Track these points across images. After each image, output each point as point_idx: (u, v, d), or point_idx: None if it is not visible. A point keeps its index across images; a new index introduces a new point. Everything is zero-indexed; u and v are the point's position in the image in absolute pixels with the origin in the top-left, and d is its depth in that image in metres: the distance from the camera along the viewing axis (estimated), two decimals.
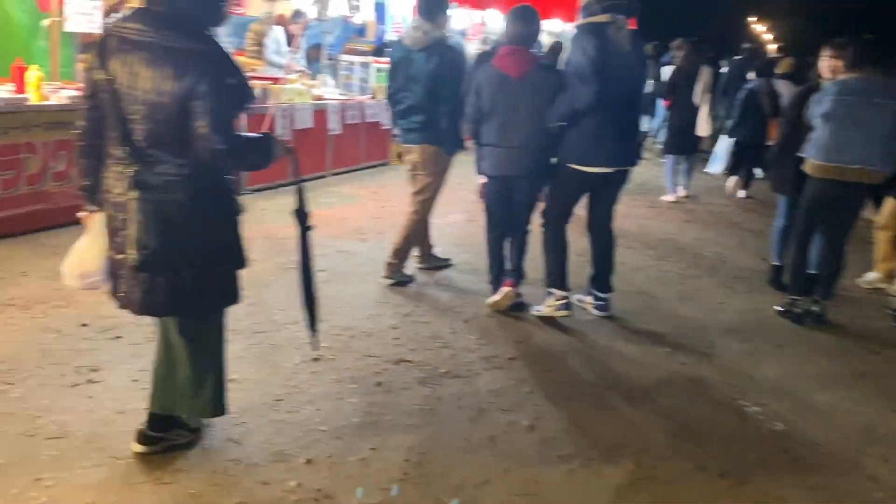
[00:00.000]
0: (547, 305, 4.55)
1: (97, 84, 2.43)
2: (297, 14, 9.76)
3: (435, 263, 5.46)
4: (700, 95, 8.60)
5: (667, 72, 9.90)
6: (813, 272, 4.99)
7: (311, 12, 8.88)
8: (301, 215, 2.79)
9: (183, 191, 2.40)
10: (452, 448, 3.09)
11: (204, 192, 2.45)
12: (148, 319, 2.90)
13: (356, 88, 9.82)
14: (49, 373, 3.40)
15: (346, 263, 5.44)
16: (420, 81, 4.73)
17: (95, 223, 2.60)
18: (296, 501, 2.66)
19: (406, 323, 4.41)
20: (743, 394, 3.84)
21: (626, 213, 7.33)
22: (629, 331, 4.59)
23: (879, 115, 4.46)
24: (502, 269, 4.72)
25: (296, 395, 3.42)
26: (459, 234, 6.51)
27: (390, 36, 10.63)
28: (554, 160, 4.47)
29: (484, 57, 5.74)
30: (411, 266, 5.30)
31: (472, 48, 10.50)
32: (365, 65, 9.94)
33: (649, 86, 8.89)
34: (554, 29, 12.59)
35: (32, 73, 5.06)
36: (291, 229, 2.86)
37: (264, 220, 6.32)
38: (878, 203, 5.96)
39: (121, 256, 2.49)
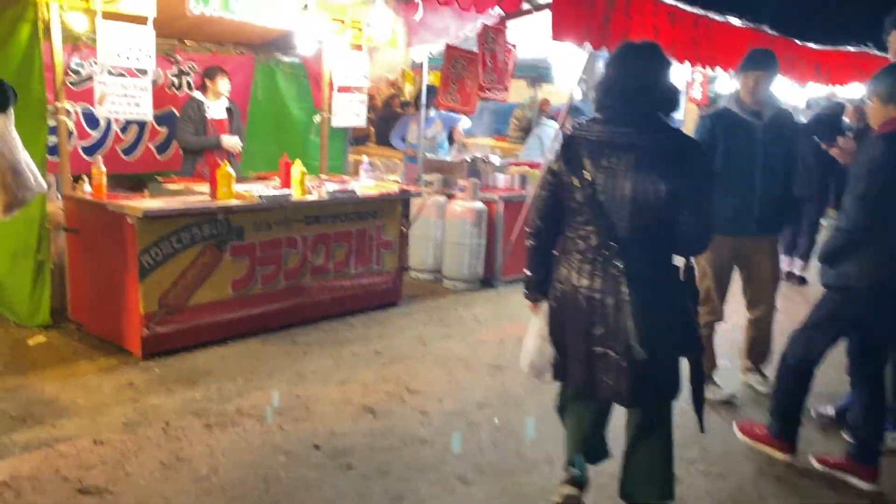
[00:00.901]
0: None
1: (563, 185, 2.55)
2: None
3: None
4: None
5: None
6: None
7: (576, 94, 8.36)
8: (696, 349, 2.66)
9: (670, 281, 2.52)
10: None
11: (678, 279, 2.56)
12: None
13: None
14: None
15: None
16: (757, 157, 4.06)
17: (545, 312, 2.71)
18: None
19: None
20: None
21: None
22: None
23: None
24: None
25: None
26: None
27: None
28: None
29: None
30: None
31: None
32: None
33: None
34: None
35: (297, 169, 5.06)
36: None
37: (518, 316, 5.71)
38: None
39: (601, 349, 2.53)
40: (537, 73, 10.16)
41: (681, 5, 6.77)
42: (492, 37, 6.18)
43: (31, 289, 4.82)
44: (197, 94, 5.93)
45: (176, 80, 6.48)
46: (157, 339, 4.51)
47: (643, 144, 2.44)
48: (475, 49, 6.50)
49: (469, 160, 6.98)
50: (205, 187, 4.91)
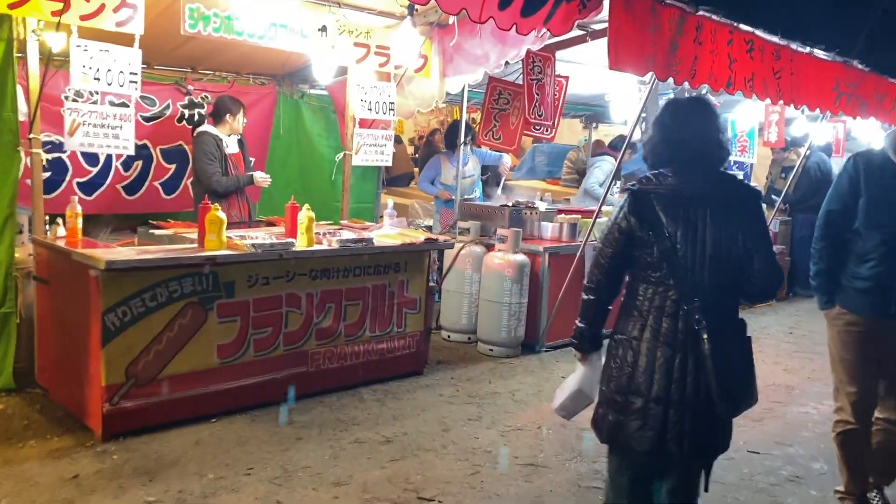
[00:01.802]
0: None
1: (635, 241, 2.50)
2: (620, 139, 8.52)
3: None
4: None
5: None
6: None
7: (636, 132, 7.47)
8: None
9: (739, 332, 2.51)
10: None
11: (745, 330, 2.54)
12: None
13: None
14: None
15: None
16: None
17: (592, 364, 2.68)
18: None
19: None
20: None
21: None
22: None
23: None
24: None
25: None
26: None
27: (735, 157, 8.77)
28: None
29: None
30: None
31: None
32: None
33: None
34: None
35: (304, 214, 4.29)
36: None
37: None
38: None
39: (673, 406, 2.44)
40: (592, 112, 9.31)
41: (760, 33, 5.87)
42: (538, 65, 5.37)
43: None
44: (212, 129, 5.29)
45: (187, 112, 5.85)
46: (123, 416, 3.74)
47: (714, 195, 2.48)
48: (520, 81, 5.70)
49: (511, 206, 6.13)
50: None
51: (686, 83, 5.33)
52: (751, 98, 5.81)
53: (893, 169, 3.20)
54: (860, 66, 7.10)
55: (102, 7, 3.87)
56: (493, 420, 4.37)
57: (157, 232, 4.45)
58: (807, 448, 4.24)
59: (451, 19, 5.05)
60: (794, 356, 6.24)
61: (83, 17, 3.81)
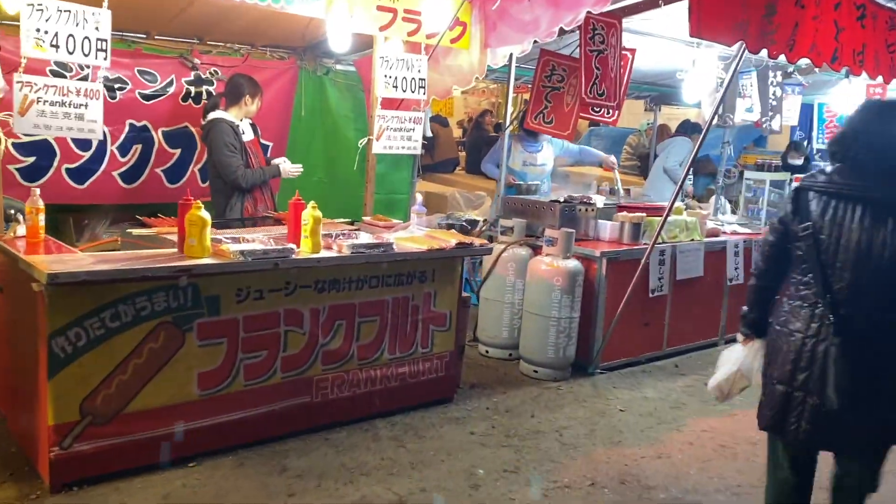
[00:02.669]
0: None
1: (790, 233, 2.61)
2: (689, 124, 7.55)
3: None
4: None
5: None
6: None
7: (706, 111, 6.46)
8: None
9: (886, 334, 2.48)
10: None
11: None
12: None
13: (761, 216, 7.01)
14: None
15: None
16: None
17: (753, 349, 2.81)
18: None
19: None
20: None
21: None
22: None
23: None
24: None
25: None
26: None
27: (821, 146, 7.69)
28: None
29: None
30: None
31: None
32: (778, 184, 7.11)
33: None
34: None
35: (308, 214, 3.52)
36: None
37: (625, 432, 3.92)
38: None
39: (799, 394, 2.55)
40: (658, 93, 8.29)
41: None
42: (600, 33, 4.46)
43: None
44: (227, 115, 4.59)
45: (193, 90, 5.13)
46: (76, 461, 3.05)
47: (878, 197, 2.48)
48: (577, 54, 4.80)
49: (562, 201, 5.24)
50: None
51: (782, 56, 4.37)
52: (859, 75, 4.79)
53: None
54: None
55: None
56: (533, 469, 3.54)
57: (136, 231, 3.76)
58: None
59: None
60: None
61: None
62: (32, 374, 3.08)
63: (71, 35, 3.23)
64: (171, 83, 5.04)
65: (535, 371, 4.85)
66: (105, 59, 3.35)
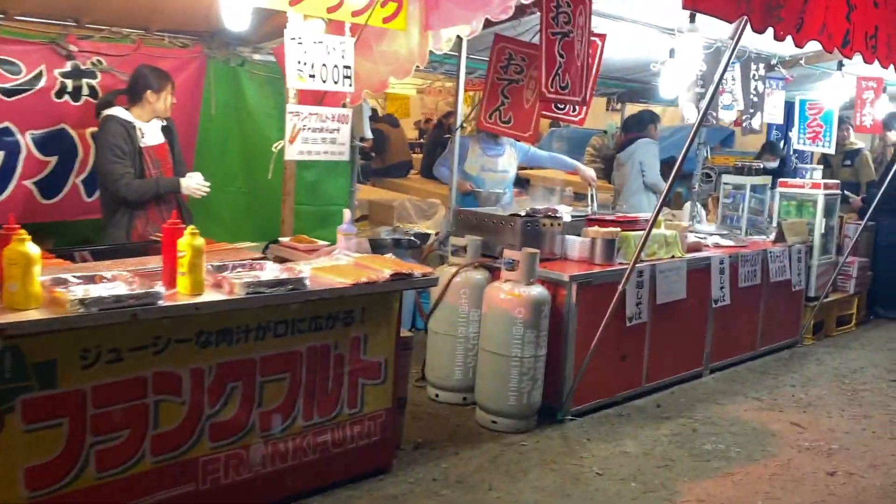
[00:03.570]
0: None
1: None
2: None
3: None
4: None
5: None
6: None
7: (688, 112, 5.71)
8: None
9: None
10: None
11: None
12: None
13: (741, 225, 6.29)
14: None
15: None
16: None
17: None
18: None
19: None
20: None
21: None
22: None
23: None
24: None
25: None
26: None
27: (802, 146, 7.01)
28: None
29: None
30: None
31: None
32: (759, 189, 6.39)
33: None
34: None
35: (185, 242, 2.62)
36: None
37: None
38: None
39: None
40: (626, 90, 7.54)
41: None
42: (566, 11, 3.64)
43: None
44: (121, 113, 3.82)
45: (70, 84, 4.17)
46: None
47: None
48: (538, 40, 3.98)
49: (524, 215, 4.41)
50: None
51: (770, 45, 3.61)
52: (872, 63, 4.06)
53: None
54: None
55: None
56: None
57: None
58: None
59: None
60: None
61: None
62: None
63: None
64: (39, 76, 4.06)
65: (494, 422, 4.00)
66: None
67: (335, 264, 3.24)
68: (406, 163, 10.38)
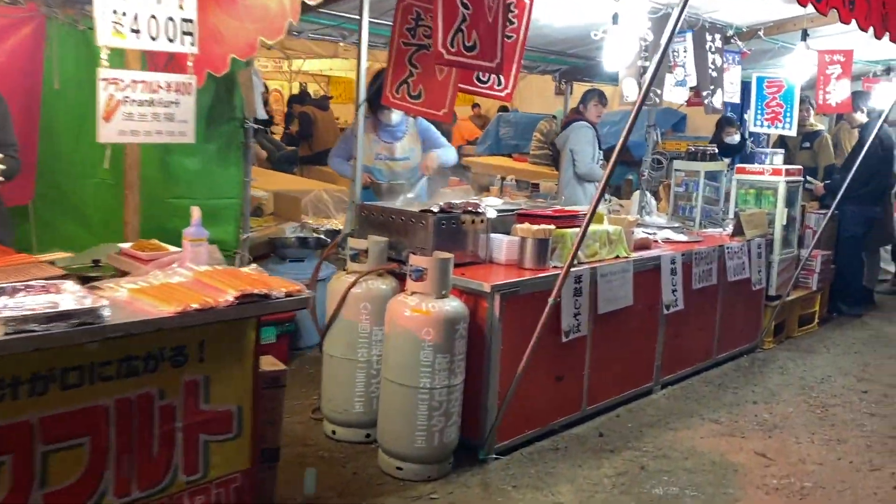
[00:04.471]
0: None
1: None
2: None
3: None
4: None
5: None
6: None
7: (628, 89, 4.98)
8: None
9: None
10: None
11: None
12: None
13: (695, 216, 5.64)
14: None
15: None
16: None
17: None
18: None
19: None
20: None
21: None
22: None
23: None
24: None
25: None
26: None
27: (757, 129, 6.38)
28: None
29: None
30: None
31: None
32: (713, 176, 5.74)
33: None
34: None
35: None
36: None
37: None
38: None
39: None
40: (570, 66, 6.82)
41: None
42: None
43: None
44: None
45: None
46: None
47: None
48: None
49: (437, 211, 3.62)
50: None
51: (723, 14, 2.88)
52: (849, 22, 3.37)
53: None
54: None
55: None
56: None
57: None
58: None
59: None
60: None
61: None
62: None
63: None
64: None
65: (399, 468, 3.24)
66: None
67: (165, 282, 2.42)
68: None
